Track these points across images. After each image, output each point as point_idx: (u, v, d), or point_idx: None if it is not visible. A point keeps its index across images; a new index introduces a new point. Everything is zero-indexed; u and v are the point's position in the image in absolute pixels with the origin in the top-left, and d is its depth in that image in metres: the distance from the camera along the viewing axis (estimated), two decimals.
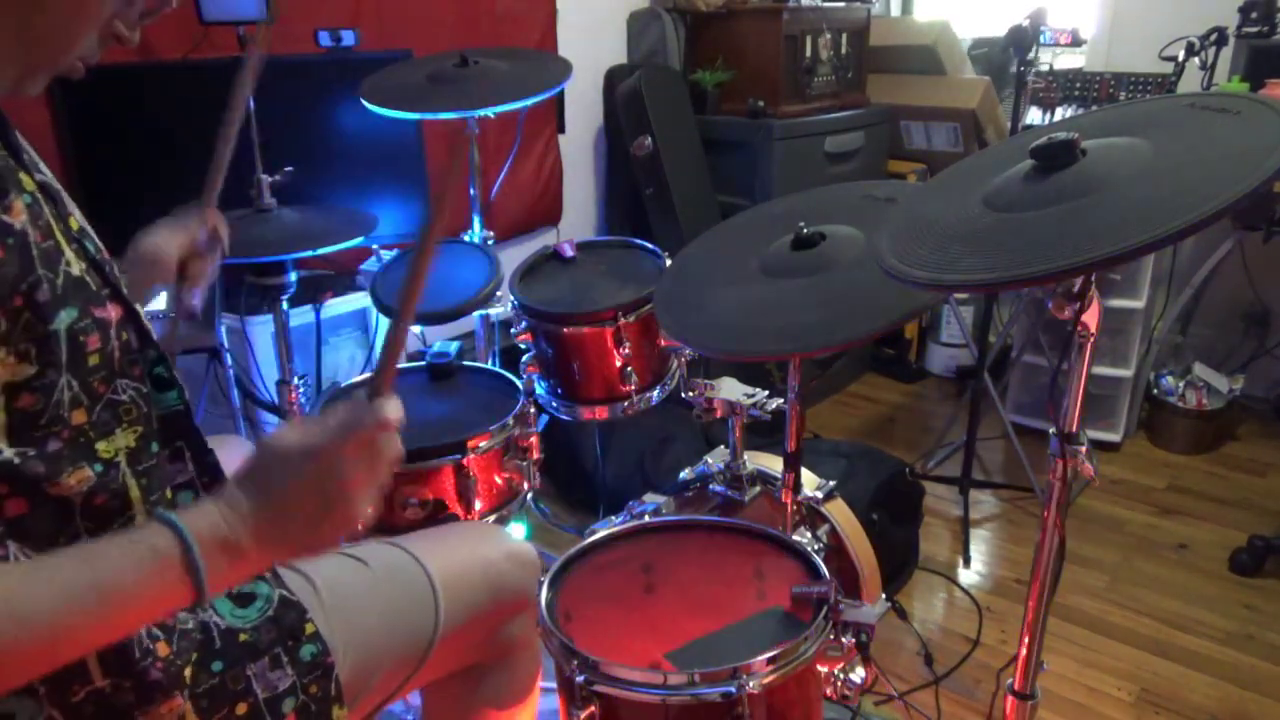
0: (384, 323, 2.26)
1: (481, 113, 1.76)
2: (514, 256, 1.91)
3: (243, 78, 1.18)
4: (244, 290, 1.99)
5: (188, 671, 0.85)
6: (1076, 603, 2.22)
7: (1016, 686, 1.14)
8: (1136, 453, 2.97)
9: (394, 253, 1.87)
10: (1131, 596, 2.24)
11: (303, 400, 1.69)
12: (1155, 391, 2.99)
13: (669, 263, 1.63)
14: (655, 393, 1.72)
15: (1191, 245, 2.91)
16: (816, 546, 1.48)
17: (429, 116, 1.82)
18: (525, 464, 1.57)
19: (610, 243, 1.91)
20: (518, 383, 1.66)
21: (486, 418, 1.53)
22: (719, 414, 1.58)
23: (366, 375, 1.75)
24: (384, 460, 0.76)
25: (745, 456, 1.63)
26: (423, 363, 1.72)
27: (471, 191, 1.97)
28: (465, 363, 1.76)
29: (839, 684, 1.13)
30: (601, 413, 1.70)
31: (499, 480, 1.53)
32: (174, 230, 1.17)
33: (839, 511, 1.61)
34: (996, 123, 3.28)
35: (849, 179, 2.74)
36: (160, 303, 1.98)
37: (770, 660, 1.01)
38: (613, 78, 3.20)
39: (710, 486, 1.65)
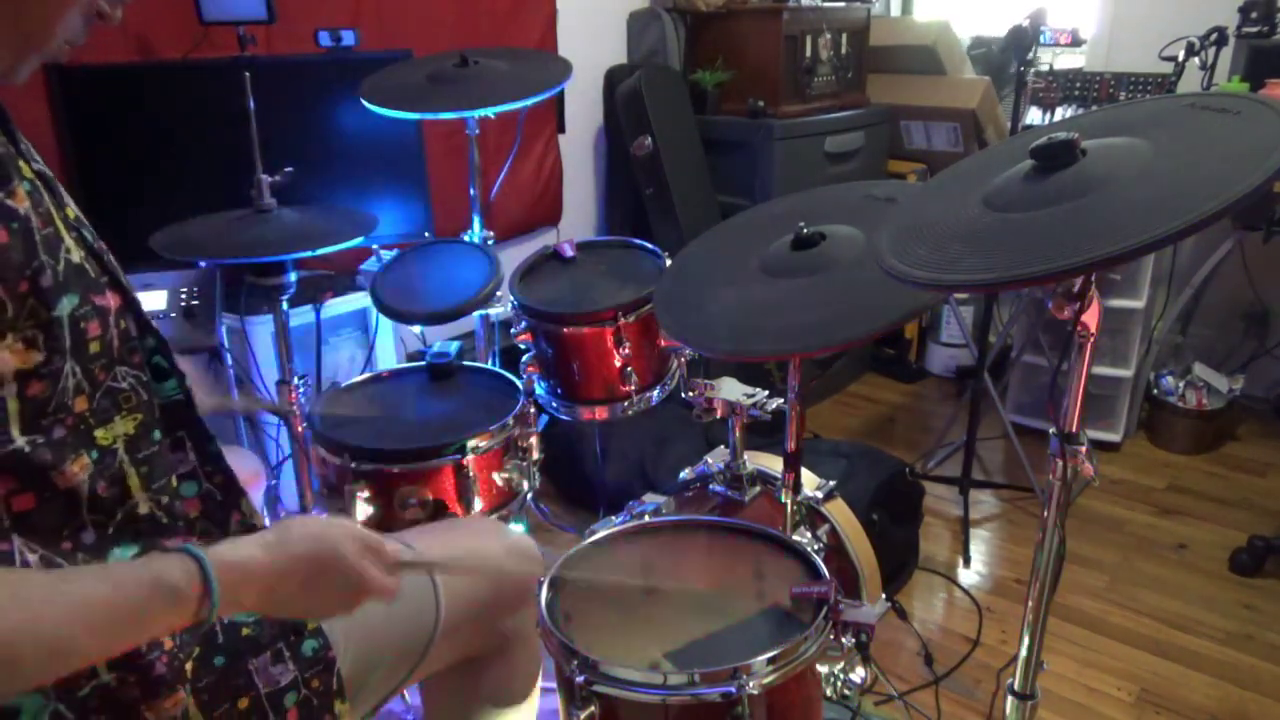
0: (385, 323, 2.27)
1: (481, 113, 1.77)
2: (514, 256, 1.91)
3: None
4: (244, 290, 1.99)
5: (189, 666, 0.85)
6: (1076, 603, 2.22)
7: (1016, 686, 1.14)
8: (1136, 453, 2.97)
9: (394, 253, 1.87)
10: (1131, 596, 2.24)
11: (303, 400, 1.69)
12: (1155, 391, 2.99)
13: (669, 263, 1.63)
14: (655, 393, 1.72)
15: (1191, 245, 2.91)
16: (816, 546, 1.48)
17: (429, 116, 1.82)
18: (525, 464, 1.57)
19: (610, 243, 1.91)
20: (518, 383, 1.66)
21: (486, 418, 1.53)
22: (719, 414, 1.57)
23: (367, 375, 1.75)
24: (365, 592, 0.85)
25: (745, 456, 1.63)
26: (423, 363, 1.72)
27: (471, 191, 1.97)
28: (465, 363, 1.76)
29: (839, 684, 1.13)
30: (601, 413, 1.70)
31: (499, 480, 1.54)
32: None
33: (839, 511, 1.61)
34: (996, 123, 3.28)
35: (849, 179, 2.74)
36: (160, 301, 1.98)
37: (770, 660, 1.01)
38: (613, 78, 3.20)
39: (710, 486, 1.65)
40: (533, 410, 1.62)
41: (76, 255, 0.77)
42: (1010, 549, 2.47)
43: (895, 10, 3.98)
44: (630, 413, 1.69)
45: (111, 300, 0.80)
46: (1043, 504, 1.07)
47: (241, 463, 1.45)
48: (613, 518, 1.47)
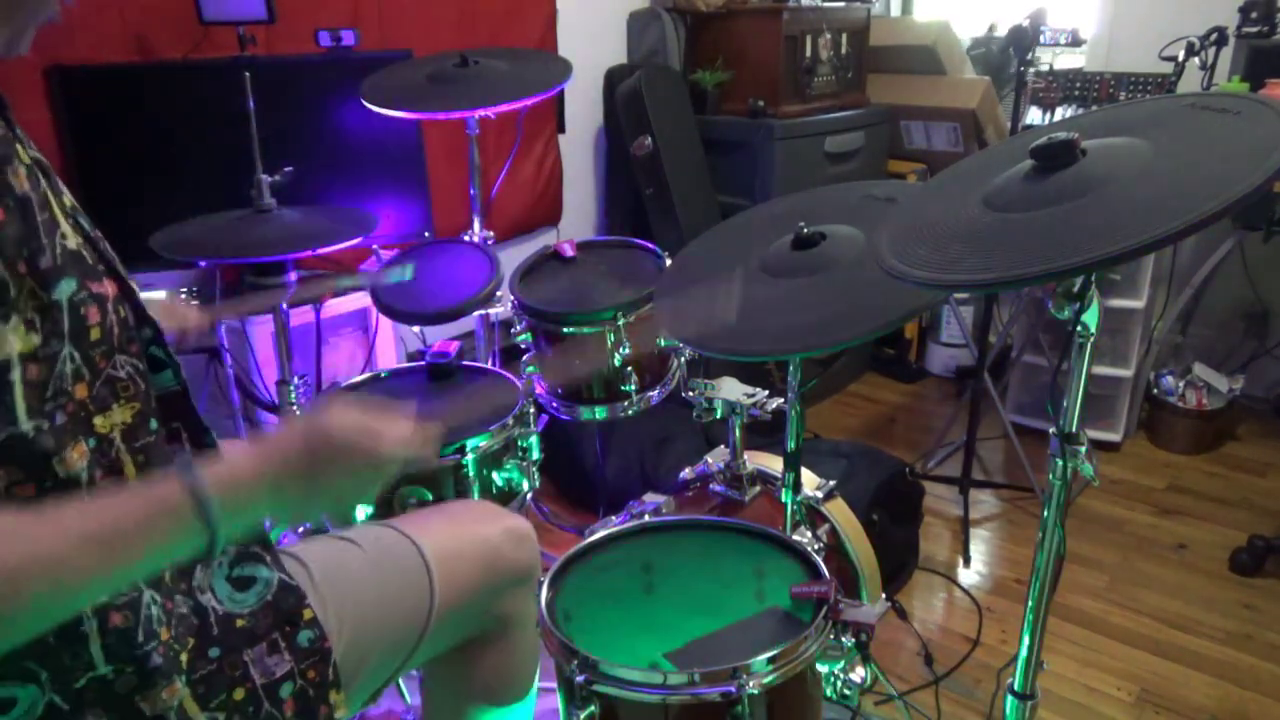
0: (385, 323, 2.27)
1: (481, 113, 1.77)
2: (514, 256, 1.91)
3: None
4: (244, 290, 1.99)
5: (185, 657, 0.85)
6: (1076, 603, 2.22)
7: (1016, 686, 1.14)
8: (1136, 453, 2.97)
9: (394, 253, 1.87)
10: (1131, 596, 2.24)
11: (302, 400, 1.69)
12: (1155, 391, 2.99)
13: (669, 263, 1.63)
14: (655, 393, 1.72)
15: (1191, 245, 2.91)
16: (816, 546, 1.48)
17: (429, 116, 1.82)
18: (525, 464, 1.57)
19: (610, 243, 1.91)
20: (518, 383, 1.66)
21: (486, 418, 1.53)
22: (719, 414, 1.58)
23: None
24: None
25: (745, 456, 1.63)
26: (423, 363, 1.72)
27: (472, 191, 1.97)
28: (465, 363, 1.76)
29: (839, 684, 1.13)
30: (601, 413, 1.70)
31: (499, 480, 1.54)
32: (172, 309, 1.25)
33: (839, 511, 1.61)
34: (996, 123, 3.28)
35: (849, 179, 2.74)
36: (159, 295, 1.98)
37: (770, 660, 1.01)
38: (613, 78, 3.20)
39: (710, 486, 1.65)
40: (533, 410, 1.62)
41: (73, 241, 0.77)
42: (1010, 549, 2.47)
43: (895, 10, 3.98)
44: (630, 413, 1.69)
45: (109, 288, 0.80)
46: (1043, 504, 1.07)
47: None
48: (613, 518, 1.47)
